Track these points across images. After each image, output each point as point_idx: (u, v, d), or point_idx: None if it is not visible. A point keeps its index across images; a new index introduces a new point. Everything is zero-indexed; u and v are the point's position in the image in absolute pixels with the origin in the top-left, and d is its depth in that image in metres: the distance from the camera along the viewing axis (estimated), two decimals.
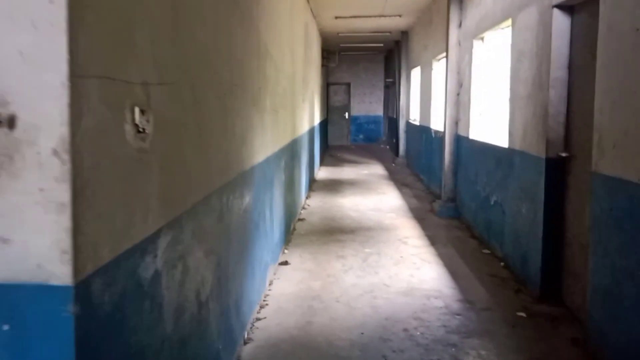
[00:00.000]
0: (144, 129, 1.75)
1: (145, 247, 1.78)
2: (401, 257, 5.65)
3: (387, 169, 13.08)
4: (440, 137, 8.82)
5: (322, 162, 14.05)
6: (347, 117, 19.96)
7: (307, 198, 8.88)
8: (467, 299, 4.51)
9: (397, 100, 14.31)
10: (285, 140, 5.91)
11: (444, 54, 8.64)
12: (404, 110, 13.65)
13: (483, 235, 6.10)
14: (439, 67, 9.55)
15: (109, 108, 1.52)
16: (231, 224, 3.19)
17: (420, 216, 7.58)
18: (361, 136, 20.11)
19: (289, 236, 6.24)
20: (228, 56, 3.09)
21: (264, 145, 4.43)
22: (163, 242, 1.95)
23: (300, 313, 4.15)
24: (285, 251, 5.77)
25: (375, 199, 8.96)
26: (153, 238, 1.85)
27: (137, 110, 1.69)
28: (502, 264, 5.32)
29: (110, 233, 1.52)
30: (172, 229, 2.06)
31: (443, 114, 8.17)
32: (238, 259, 3.41)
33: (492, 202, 5.76)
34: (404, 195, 9.34)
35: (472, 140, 6.66)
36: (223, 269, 2.97)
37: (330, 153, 16.74)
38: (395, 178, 11.42)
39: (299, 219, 7.30)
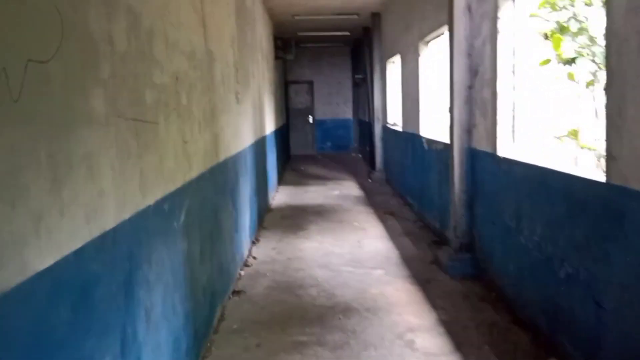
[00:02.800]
0: None
1: None
2: None
3: (363, 186, 10.48)
4: (438, 149, 6.27)
5: (282, 180, 11.37)
6: (311, 121, 17.30)
7: (254, 244, 6.20)
8: None
9: (369, 100, 11.76)
10: (183, 177, 3.23)
11: (439, 31, 6.12)
12: (380, 113, 11.10)
13: (541, 324, 3.54)
14: (430, 51, 7.01)
15: None
16: None
17: (423, 275, 4.98)
18: (329, 143, 17.46)
19: (204, 348, 3.56)
20: None
21: (70, 224, 1.75)
22: None
23: None
24: None
25: (352, 240, 6.34)
26: None
27: None
28: None
29: None
30: None
31: (447, 118, 5.65)
32: None
33: (562, 275, 3.21)
34: (390, 231, 6.74)
35: (508, 161, 4.09)
36: None
37: (293, 166, 14.07)
38: (375, 202, 8.82)
39: (235, 292, 4.61)
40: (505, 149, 4.19)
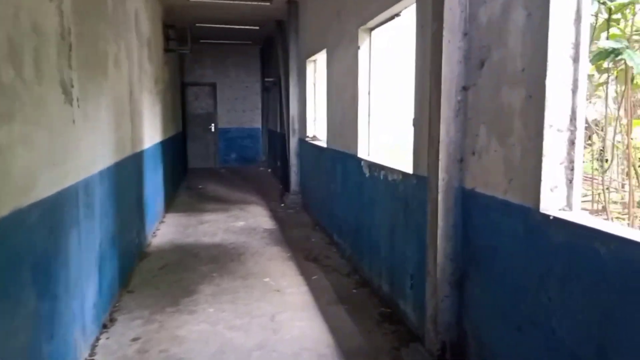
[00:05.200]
0: None
1: None
2: None
3: (275, 214, 8.34)
4: (390, 181, 4.33)
5: (171, 205, 8.93)
6: (213, 129, 14.88)
7: (105, 328, 3.85)
8: None
9: (282, 107, 9.70)
10: None
11: (393, 10, 4.22)
12: (296, 123, 9.06)
13: None
14: (374, 42, 5.08)
15: None
16: None
17: None
18: (233, 155, 15.10)
19: None
20: None
21: None
22: None
23: None
24: None
25: (264, 314, 4.18)
26: None
27: None
28: None
29: None
30: None
31: (409, 136, 3.76)
32: None
33: None
34: (317, 293, 4.67)
35: (567, 226, 2.17)
36: None
37: (189, 184, 11.61)
38: (292, 238, 6.72)
39: None
40: (556, 201, 2.28)
